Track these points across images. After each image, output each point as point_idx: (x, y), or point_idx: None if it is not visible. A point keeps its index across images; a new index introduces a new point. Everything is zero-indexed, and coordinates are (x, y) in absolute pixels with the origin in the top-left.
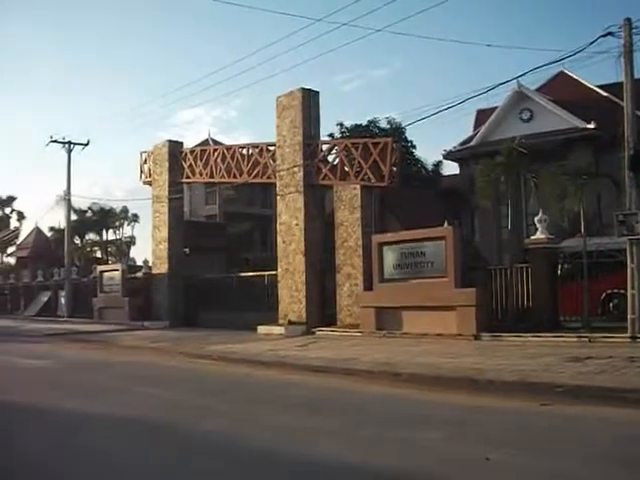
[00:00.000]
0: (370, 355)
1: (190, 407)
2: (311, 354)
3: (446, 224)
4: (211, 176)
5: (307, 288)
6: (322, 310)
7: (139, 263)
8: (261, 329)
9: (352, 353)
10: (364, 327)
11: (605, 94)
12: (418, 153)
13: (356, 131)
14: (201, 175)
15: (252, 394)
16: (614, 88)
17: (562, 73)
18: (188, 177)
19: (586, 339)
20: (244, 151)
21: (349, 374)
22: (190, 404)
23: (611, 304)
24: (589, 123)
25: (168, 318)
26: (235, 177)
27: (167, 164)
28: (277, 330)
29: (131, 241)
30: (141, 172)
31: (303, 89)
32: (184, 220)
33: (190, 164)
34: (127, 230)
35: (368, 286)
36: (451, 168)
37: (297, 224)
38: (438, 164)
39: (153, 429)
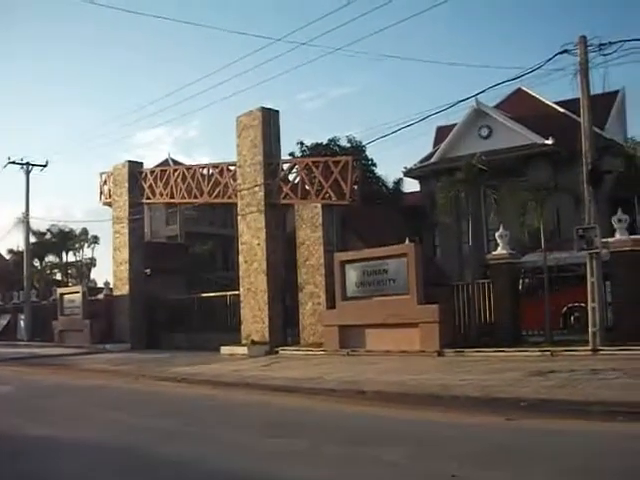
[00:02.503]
0: (334, 374)
1: (154, 430)
2: (275, 374)
3: (407, 241)
4: (172, 197)
5: (270, 307)
6: (285, 329)
7: (100, 285)
8: (224, 350)
9: (316, 372)
10: (327, 346)
11: (562, 110)
12: (379, 171)
13: (317, 150)
14: (161, 196)
15: (217, 416)
16: (571, 104)
17: (520, 90)
18: (148, 198)
19: (548, 353)
20: (204, 171)
21: (314, 393)
22: (154, 427)
23: (572, 318)
24: (547, 139)
25: (130, 340)
26: (196, 197)
27: (127, 185)
28: (240, 350)
29: (91, 263)
30: (101, 193)
31: (263, 108)
32: (145, 241)
33: (150, 185)
34: (87, 252)
35: (331, 304)
36: (412, 185)
37: (259, 243)
38: (399, 182)
39: (117, 453)
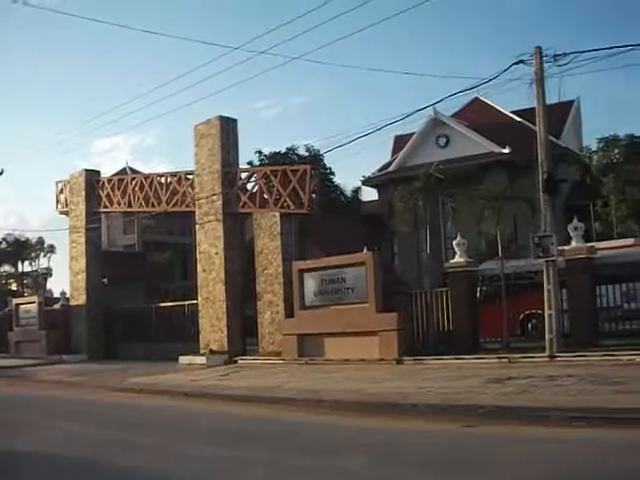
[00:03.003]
0: (293, 383)
1: (112, 442)
2: (234, 383)
3: (366, 250)
4: (129, 205)
5: (228, 317)
6: (244, 339)
7: (56, 295)
8: (183, 359)
9: (275, 381)
10: (286, 355)
11: (519, 119)
12: (337, 180)
13: (275, 159)
14: (119, 204)
15: (176, 426)
16: (527, 114)
17: (477, 99)
18: (106, 206)
19: (506, 360)
20: (162, 180)
21: (273, 402)
22: (112, 439)
23: (529, 325)
24: (504, 148)
25: (87, 351)
26: (153, 206)
27: (84, 193)
28: (199, 360)
29: (48, 272)
30: (57, 202)
31: (221, 117)
32: (102, 250)
33: (107, 193)
34: (44, 261)
35: (289, 313)
36: (370, 194)
37: (217, 253)
38: (357, 190)
39: (74, 466)
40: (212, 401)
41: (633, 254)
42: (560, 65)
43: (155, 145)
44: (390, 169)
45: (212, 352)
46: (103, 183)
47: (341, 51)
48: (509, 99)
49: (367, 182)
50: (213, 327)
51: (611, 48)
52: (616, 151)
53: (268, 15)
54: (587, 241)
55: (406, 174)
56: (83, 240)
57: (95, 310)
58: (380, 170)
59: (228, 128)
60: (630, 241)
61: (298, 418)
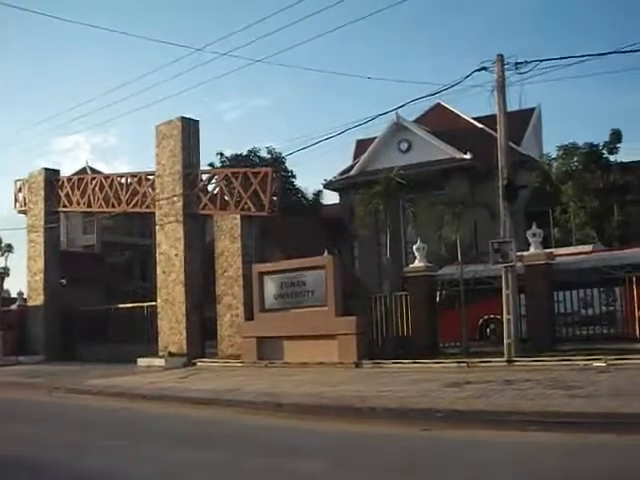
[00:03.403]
0: (252, 386)
1: (69, 444)
2: (192, 386)
3: (326, 253)
4: (89, 205)
5: (187, 319)
6: (203, 341)
7: (13, 295)
8: (141, 361)
9: (234, 384)
10: (245, 357)
11: (480, 126)
12: (299, 183)
13: (236, 161)
14: (78, 204)
15: (134, 428)
16: (489, 120)
17: (439, 105)
18: (65, 206)
19: (465, 364)
20: (123, 180)
21: (231, 405)
22: (69, 441)
23: (488, 329)
24: (465, 154)
25: (45, 352)
26: (113, 206)
27: (43, 193)
28: (158, 362)
29: (4, 272)
30: (16, 201)
31: (183, 118)
32: (61, 250)
33: (67, 193)
34: (0, 261)
35: (249, 316)
36: (332, 198)
37: (177, 254)
38: (319, 193)
39: (28, 467)
40: (170, 404)
41: (591, 260)
42: (521, 73)
43: (116, 145)
44: (351, 173)
45: (171, 354)
46: (63, 182)
47: (309, 54)
48: (471, 105)
49: (328, 186)
50: (172, 329)
51: (571, 57)
52: (575, 159)
53: (232, 16)
54: (546, 247)
55: (367, 178)
56: (42, 240)
57: (53, 311)
58: (342, 174)
59: (190, 129)
60: (588, 247)
61: (257, 421)
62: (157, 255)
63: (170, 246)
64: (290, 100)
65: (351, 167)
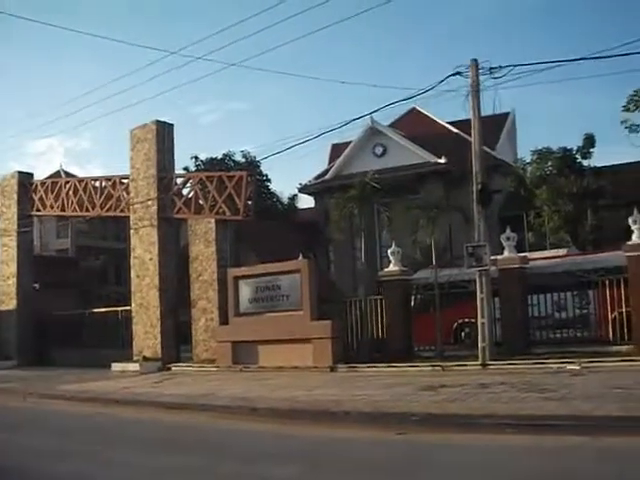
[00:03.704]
0: (227, 390)
1: (42, 450)
2: (167, 391)
3: (301, 257)
4: (62, 209)
5: (162, 323)
6: (178, 346)
7: None
8: (116, 366)
9: (209, 389)
10: (220, 362)
11: (455, 130)
12: (274, 187)
13: (211, 164)
14: (52, 208)
15: (107, 434)
16: (463, 125)
17: (414, 110)
18: (38, 210)
19: (439, 368)
20: (97, 184)
21: (206, 410)
22: (42, 447)
23: (463, 333)
24: (440, 158)
25: (18, 357)
26: (87, 210)
27: (16, 196)
28: (132, 367)
29: None
30: None
31: (158, 121)
32: (34, 254)
33: (40, 196)
34: None
35: (224, 320)
36: (307, 202)
37: (151, 258)
38: (294, 198)
39: (2, 474)
40: (144, 409)
41: (565, 264)
42: (495, 78)
43: (90, 148)
44: (326, 177)
45: (145, 359)
46: (36, 186)
47: (281, 58)
48: (447, 110)
49: (304, 190)
50: (147, 333)
51: (545, 63)
52: (549, 163)
53: (208, 19)
54: (520, 251)
55: (342, 182)
56: (14, 244)
57: (26, 316)
58: (317, 178)
59: (164, 133)
60: (562, 251)
61: (232, 425)
62: (131, 259)
63: (144, 250)
64: (269, 103)
65: (326, 171)
